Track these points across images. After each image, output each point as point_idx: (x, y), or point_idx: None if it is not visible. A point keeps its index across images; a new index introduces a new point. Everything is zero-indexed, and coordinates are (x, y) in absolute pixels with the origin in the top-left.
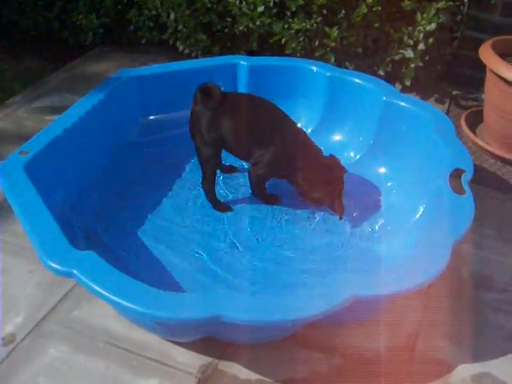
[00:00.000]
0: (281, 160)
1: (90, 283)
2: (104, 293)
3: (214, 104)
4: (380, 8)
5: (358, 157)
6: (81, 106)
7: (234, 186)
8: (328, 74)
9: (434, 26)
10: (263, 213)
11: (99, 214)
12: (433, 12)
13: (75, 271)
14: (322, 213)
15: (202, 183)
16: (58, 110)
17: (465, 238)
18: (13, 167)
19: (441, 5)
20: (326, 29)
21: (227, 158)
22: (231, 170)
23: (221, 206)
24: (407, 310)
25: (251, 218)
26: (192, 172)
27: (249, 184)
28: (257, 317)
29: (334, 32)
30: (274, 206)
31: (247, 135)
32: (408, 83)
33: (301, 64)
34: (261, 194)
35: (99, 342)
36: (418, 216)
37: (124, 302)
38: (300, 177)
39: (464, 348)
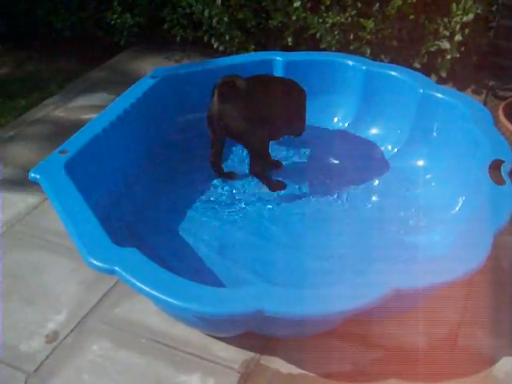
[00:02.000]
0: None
1: (132, 280)
2: (147, 289)
3: (244, 93)
4: (415, 0)
5: (395, 150)
6: (119, 105)
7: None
8: (364, 67)
9: (471, 16)
10: (300, 208)
11: (139, 211)
12: (470, 3)
13: (117, 268)
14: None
15: (252, 170)
16: (94, 109)
17: (505, 228)
18: (53, 166)
19: None
20: (362, 21)
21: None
22: (230, 175)
23: (277, 185)
24: (448, 302)
25: (291, 213)
26: (228, 168)
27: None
28: (299, 310)
29: (370, 24)
30: (298, 197)
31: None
32: (444, 75)
33: (336, 58)
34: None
35: (141, 338)
36: (457, 207)
37: (167, 298)
38: None
39: (506, 340)
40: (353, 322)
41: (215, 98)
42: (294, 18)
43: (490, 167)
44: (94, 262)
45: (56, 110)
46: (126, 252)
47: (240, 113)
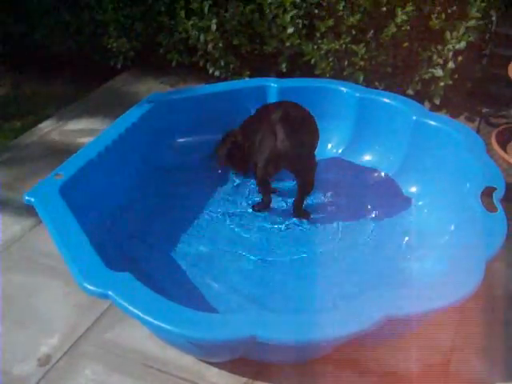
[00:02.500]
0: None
1: (125, 304)
2: (140, 314)
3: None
4: (409, 27)
5: (388, 176)
6: (114, 130)
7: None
8: (357, 94)
9: (463, 44)
10: (293, 234)
11: (132, 235)
12: (462, 30)
13: (110, 292)
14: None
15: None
16: (90, 132)
17: (497, 256)
18: (48, 190)
19: (471, 23)
20: (354, 47)
21: None
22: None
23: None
24: (441, 328)
25: (282, 236)
26: (222, 194)
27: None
28: (291, 336)
29: (362, 49)
30: (301, 222)
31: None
32: (437, 102)
33: (330, 85)
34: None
35: (134, 362)
36: (450, 234)
37: (160, 323)
38: None
39: (498, 366)
40: (346, 347)
41: (283, 134)
42: (288, 44)
43: (482, 194)
44: (88, 286)
45: (51, 132)
46: (120, 276)
47: (310, 144)
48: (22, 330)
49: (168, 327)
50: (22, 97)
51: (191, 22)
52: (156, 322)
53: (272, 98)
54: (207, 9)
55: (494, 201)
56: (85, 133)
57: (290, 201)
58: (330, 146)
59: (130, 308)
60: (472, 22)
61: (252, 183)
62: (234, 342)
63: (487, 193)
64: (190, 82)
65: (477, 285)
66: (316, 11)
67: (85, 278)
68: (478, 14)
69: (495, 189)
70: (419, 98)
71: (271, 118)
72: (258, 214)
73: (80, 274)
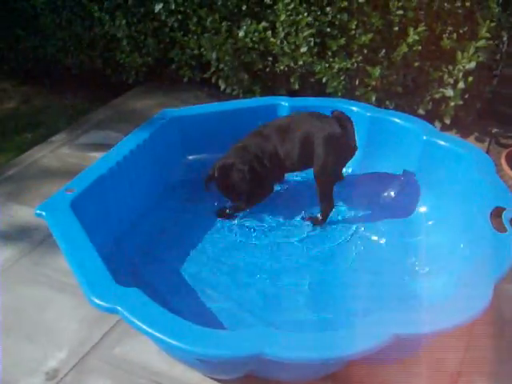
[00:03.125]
0: None
1: (133, 320)
2: (148, 329)
3: None
4: (420, 47)
5: (398, 195)
6: (125, 145)
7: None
8: (368, 114)
9: (473, 64)
10: (302, 254)
11: (143, 251)
12: (472, 50)
13: (119, 307)
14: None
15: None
16: (101, 147)
17: (507, 277)
18: (59, 204)
19: (480, 43)
20: (368, 68)
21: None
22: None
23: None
24: (449, 351)
25: (293, 258)
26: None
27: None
28: (298, 354)
29: (376, 71)
30: (304, 241)
31: None
32: (448, 121)
33: (341, 104)
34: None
35: (141, 378)
36: (459, 255)
37: (167, 339)
38: None
39: None
40: (353, 366)
41: (351, 128)
42: (300, 62)
43: (491, 214)
44: (97, 300)
45: (62, 146)
46: (129, 292)
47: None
48: (30, 344)
49: (175, 343)
50: (33, 110)
51: (205, 39)
52: (164, 338)
53: None
54: (224, 29)
55: (504, 221)
56: (96, 147)
57: (297, 217)
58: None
59: (138, 323)
60: (482, 42)
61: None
62: (241, 359)
63: (497, 213)
64: (202, 98)
65: (485, 306)
66: (328, 30)
67: (94, 293)
68: (488, 34)
69: (505, 209)
70: (430, 117)
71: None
72: (268, 229)
73: (89, 288)
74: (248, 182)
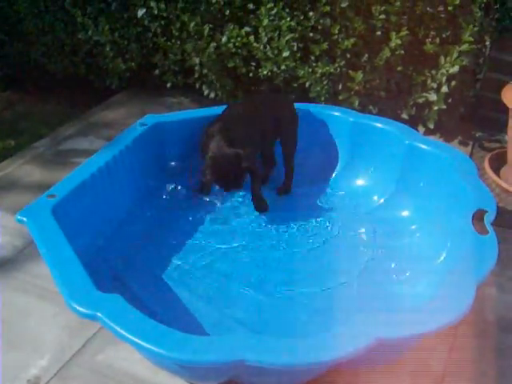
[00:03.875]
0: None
1: (114, 326)
2: (129, 336)
3: None
4: (403, 51)
5: (381, 200)
6: (108, 151)
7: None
8: (351, 119)
9: (457, 68)
10: (278, 248)
11: (124, 257)
12: (456, 55)
13: (100, 314)
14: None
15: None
16: (84, 153)
17: (488, 280)
18: (40, 210)
19: (464, 48)
20: (351, 72)
21: None
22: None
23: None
24: (433, 353)
25: (265, 256)
26: (215, 215)
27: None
28: (281, 360)
29: (359, 76)
30: (288, 242)
31: None
32: (431, 126)
33: (324, 110)
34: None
35: None
36: (442, 258)
37: (149, 346)
38: None
39: None
40: (335, 371)
41: None
42: (283, 67)
43: (473, 217)
44: (77, 307)
45: (45, 152)
46: (109, 298)
47: None
48: (11, 351)
49: (156, 349)
50: (16, 116)
51: (188, 44)
52: (145, 345)
53: None
54: (206, 32)
55: (486, 223)
56: (79, 153)
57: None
58: (323, 170)
59: (119, 330)
60: (465, 46)
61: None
62: (222, 364)
63: (479, 216)
64: (186, 103)
65: (467, 308)
66: (311, 34)
67: (74, 299)
68: (471, 38)
69: (486, 211)
70: (413, 122)
71: None
72: (255, 234)
73: (69, 294)
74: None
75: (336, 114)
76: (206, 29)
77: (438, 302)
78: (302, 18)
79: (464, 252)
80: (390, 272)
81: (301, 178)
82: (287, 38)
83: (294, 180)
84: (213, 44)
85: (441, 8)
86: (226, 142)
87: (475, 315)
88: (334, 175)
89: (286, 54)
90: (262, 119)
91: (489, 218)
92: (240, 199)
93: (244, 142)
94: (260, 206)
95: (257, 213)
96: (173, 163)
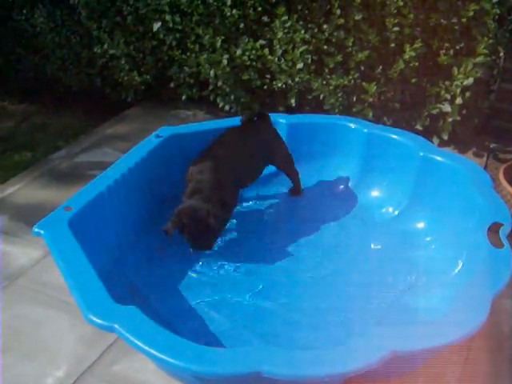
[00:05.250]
0: None
1: (131, 338)
2: (145, 348)
3: None
4: (417, 63)
5: (396, 212)
6: (123, 163)
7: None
8: (365, 130)
9: (471, 80)
10: (300, 270)
11: (140, 268)
12: (470, 66)
13: (117, 326)
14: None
15: None
16: (100, 165)
17: (504, 292)
18: (57, 222)
19: (479, 60)
20: (364, 84)
21: None
22: None
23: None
24: (448, 366)
25: (293, 274)
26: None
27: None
28: (297, 372)
29: (373, 88)
30: (309, 260)
31: None
32: (446, 137)
33: (339, 121)
34: None
35: None
36: (456, 270)
37: (165, 357)
38: None
39: None
40: (352, 380)
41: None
42: (297, 79)
43: (489, 230)
44: (94, 318)
45: (61, 164)
46: (126, 310)
47: None
48: (28, 362)
49: (173, 361)
50: (32, 128)
51: (203, 57)
52: (161, 356)
53: (282, 134)
54: (219, 44)
55: (501, 237)
56: (95, 165)
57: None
58: (338, 181)
59: (136, 341)
60: (480, 59)
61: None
62: (238, 377)
63: (494, 229)
64: (200, 116)
65: (482, 322)
66: (325, 47)
67: (91, 311)
68: (486, 51)
69: (502, 225)
70: (427, 133)
71: None
72: (266, 248)
73: (86, 306)
74: (218, 218)
75: (350, 125)
76: (219, 41)
77: (453, 316)
78: (316, 30)
79: (479, 265)
80: (405, 284)
81: (315, 188)
82: (301, 49)
83: (308, 190)
84: (226, 56)
85: (454, 20)
86: (199, 193)
87: (490, 327)
88: (348, 186)
89: (300, 65)
90: (250, 153)
91: (504, 231)
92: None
93: (222, 191)
94: (197, 246)
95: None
96: None
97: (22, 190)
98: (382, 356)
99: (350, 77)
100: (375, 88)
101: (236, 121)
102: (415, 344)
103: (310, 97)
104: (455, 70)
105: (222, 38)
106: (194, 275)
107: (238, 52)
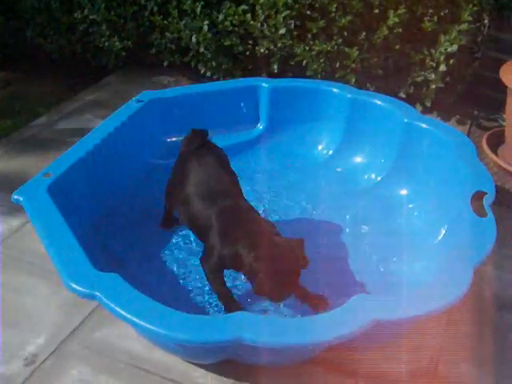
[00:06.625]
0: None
1: (112, 305)
2: (126, 315)
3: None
4: (401, 30)
5: (379, 179)
6: (103, 129)
7: None
8: (349, 95)
9: (455, 47)
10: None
11: (122, 235)
12: (455, 34)
13: (98, 293)
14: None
15: None
16: (81, 132)
17: (486, 259)
18: (36, 189)
19: (463, 27)
20: (346, 49)
21: None
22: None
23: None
24: (430, 329)
25: None
26: None
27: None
28: (277, 340)
29: (354, 53)
30: (288, 224)
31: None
32: (429, 104)
33: (322, 86)
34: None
35: (121, 363)
36: (439, 238)
37: (147, 325)
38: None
39: (486, 370)
40: (333, 350)
41: None
42: (280, 45)
43: (472, 198)
44: (75, 286)
45: (42, 131)
46: (107, 277)
47: None
48: (8, 330)
49: (155, 329)
50: (13, 95)
51: (183, 23)
52: (142, 324)
53: (264, 98)
54: (199, 10)
55: (485, 205)
56: (76, 132)
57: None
58: (320, 147)
59: (117, 309)
60: (464, 26)
61: None
62: (219, 344)
63: (477, 197)
64: (182, 82)
65: (464, 290)
66: (308, 12)
67: (71, 279)
68: (470, 18)
69: (486, 193)
70: (411, 100)
71: None
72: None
73: (67, 274)
74: None
75: (334, 90)
76: (199, 6)
77: (435, 285)
78: None
79: (462, 234)
80: (387, 250)
81: (298, 152)
82: (284, 14)
83: (291, 156)
84: (207, 22)
85: None
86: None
87: (472, 292)
88: (330, 152)
89: (282, 31)
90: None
91: (488, 200)
92: None
93: None
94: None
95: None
96: (172, 139)
97: (2, 158)
98: (364, 325)
99: (333, 42)
100: (357, 53)
101: (217, 85)
102: (397, 312)
103: (292, 62)
104: (440, 36)
105: (203, 3)
106: (174, 241)
107: (220, 17)
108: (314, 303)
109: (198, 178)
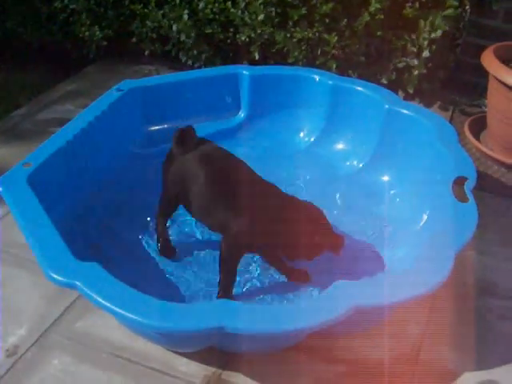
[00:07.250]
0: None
1: (93, 295)
2: (107, 304)
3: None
4: (382, 16)
5: (361, 165)
6: (83, 118)
7: None
8: (330, 82)
9: (439, 33)
10: None
11: (103, 225)
12: (439, 19)
13: (78, 283)
14: None
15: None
16: (61, 122)
17: (468, 244)
18: (16, 179)
19: (448, 12)
20: (326, 36)
21: None
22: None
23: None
24: (412, 315)
25: None
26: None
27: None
28: (258, 327)
29: (333, 38)
30: None
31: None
32: (411, 91)
33: (303, 73)
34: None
35: (102, 352)
36: (421, 223)
37: (127, 314)
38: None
39: (469, 356)
40: (316, 336)
41: None
42: (259, 31)
43: (453, 184)
44: (55, 276)
45: (23, 121)
46: (88, 266)
47: None
48: None
49: (135, 317)
50: None
51: (162, 12)
52: (123, 313)
53: (244, 86)
54: None
55: (466, 191)
56: (56, 122)
57: None
58: (302, 134)
59: (98, 298)
60: (450, 11)
61: None
62: (200, 332)
63: (459, 182)
64: (164, 71)
65: (446, 276)
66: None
67: (51, 268)
68: (456, 3)
69: (467, 179)
70: (393, 87)
71: None
72: None
73: (47, 263)
74: None
75: (315, 76)
76: None
77: (417, 271)
78: None
79: (443, 220)
80: (369, 236)
81: (280, 139)
82: (261, 0)
83: (272, 143)
84: (187, 11)
85: None
86: None
87: (454, 278)
88: (312, 139)
89: (261, 17)
90: None
91: (469, 185)
92: None
93: None
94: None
95: None
96: (153, 127)
97: None
98: (344, 310)
99: (315, 29)
100: (336, 39)
101: (198, 73)
102: (378, 298)
103: (273, 50)
104: (422, 22)
105: None
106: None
107: (201, 5)
108: (295, 275)
109: (218, 176)
